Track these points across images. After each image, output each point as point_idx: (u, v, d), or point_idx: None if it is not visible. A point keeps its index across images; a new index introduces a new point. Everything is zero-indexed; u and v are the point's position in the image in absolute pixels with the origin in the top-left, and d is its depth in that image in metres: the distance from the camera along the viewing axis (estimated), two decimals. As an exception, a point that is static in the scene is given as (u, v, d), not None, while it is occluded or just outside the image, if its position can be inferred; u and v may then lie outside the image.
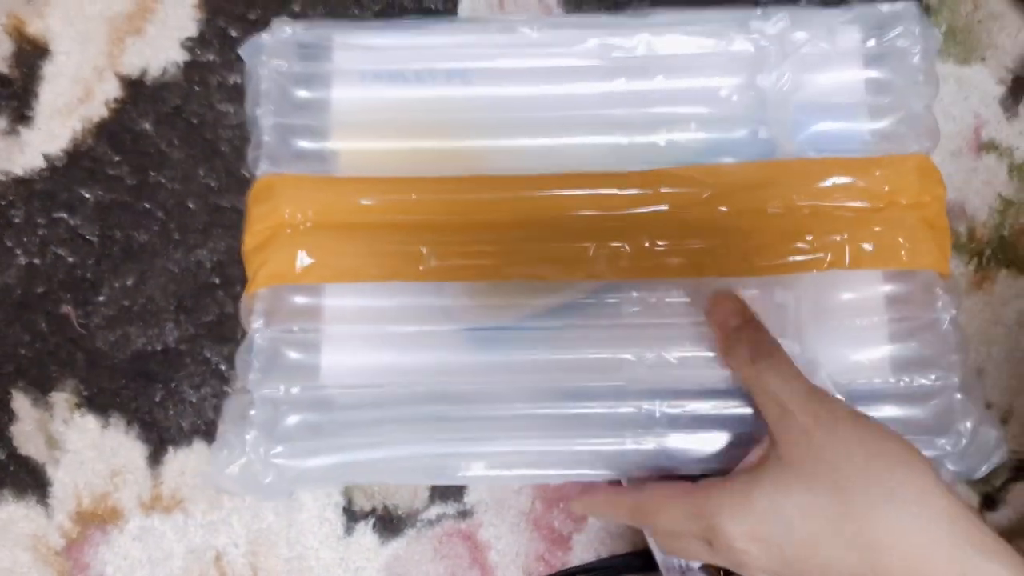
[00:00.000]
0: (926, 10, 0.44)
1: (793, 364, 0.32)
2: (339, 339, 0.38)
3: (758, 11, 0.40)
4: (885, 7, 0.40)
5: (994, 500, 0.42)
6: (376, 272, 0.38)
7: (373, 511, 0.42)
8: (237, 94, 0.43)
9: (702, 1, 0.42)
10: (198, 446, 0.42)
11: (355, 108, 0.40)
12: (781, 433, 0.30)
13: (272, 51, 0.40)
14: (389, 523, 0.42)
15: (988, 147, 0.44)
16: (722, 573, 0.40)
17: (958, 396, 0.37)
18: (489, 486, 0.42)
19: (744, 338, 0.34)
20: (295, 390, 0.37)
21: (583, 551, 0.42)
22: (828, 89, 0.40)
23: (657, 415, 0.37)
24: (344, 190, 0.38)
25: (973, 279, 0.43)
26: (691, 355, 0.37)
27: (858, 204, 0.38)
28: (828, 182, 0.38)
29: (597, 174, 0.38)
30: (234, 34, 0.44)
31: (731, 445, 0.37)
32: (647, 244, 0.38)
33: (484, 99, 0.40)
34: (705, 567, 0.40)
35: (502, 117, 0.40)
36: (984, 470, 0.37)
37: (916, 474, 0.28)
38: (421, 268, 0.37)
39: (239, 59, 0.43)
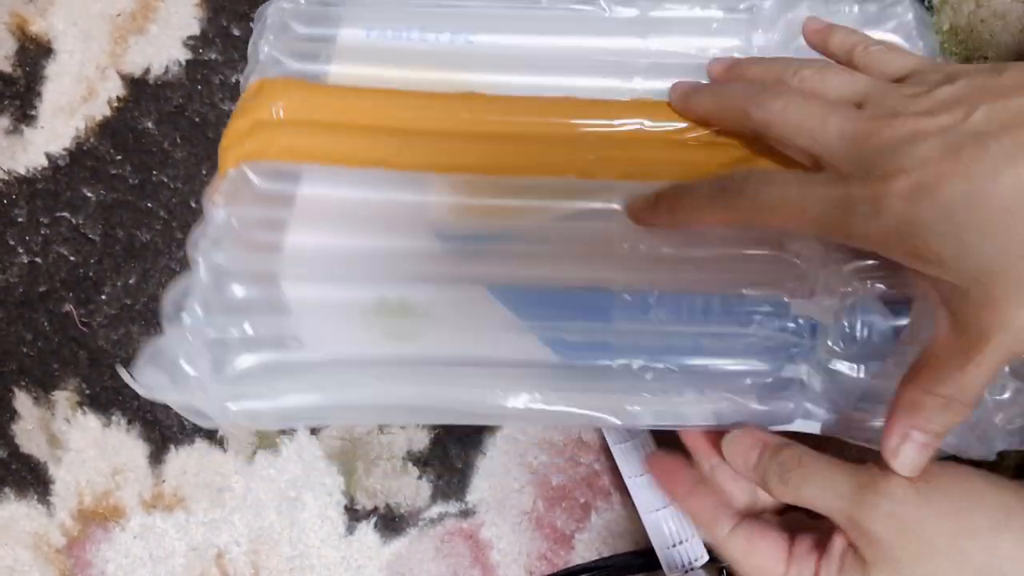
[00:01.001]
0: (928, 9, 0.44)
1: (824, 462, 0.29)
2: (309, 222, 0.33)
3: None
4: None
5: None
6: (356, 156, 0.34)
7: (375, 510, 0.42)
8: (239, 93, 0.43)
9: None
10: (199, 444, 0.42)
11: (359, 45, 0.37)
12: (851, 533, 0.27)
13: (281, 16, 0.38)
14: (391, 522, 0.42)
15: (991, 146, 0.44)
16: (724, 573, 0.40)
17: None
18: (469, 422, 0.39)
19: (769, 465, 0.30)
20: (253, 290, 0.31)
21: (585, 550, 0.42)
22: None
23: (646, 375, 0.33)
24: (335, 94, 0.36)
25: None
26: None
27: None
28: None
29: (590, 101, 0.36)
30: (236, 32, 0.44)
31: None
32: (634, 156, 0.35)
33: (484, 52, 0.38)
34: (707, 567, 0.40)
35: (499, 63, 0.38)
36: None
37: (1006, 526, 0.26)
38: (402, 158, 0.34)
39: (241, 58, 0.43)
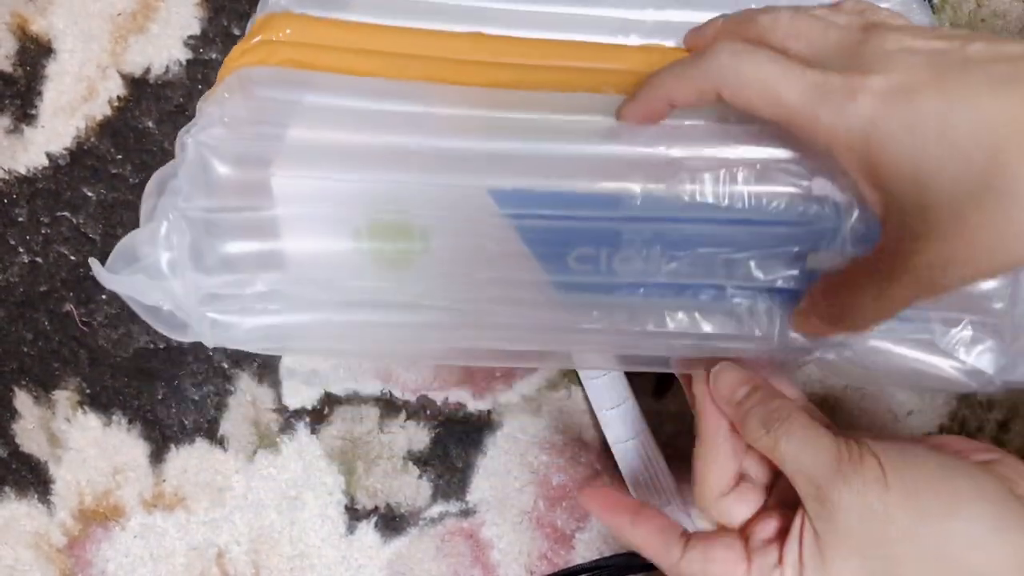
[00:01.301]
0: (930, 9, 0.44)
1: (811, 424, 0.29)
2: (309, 124, 0.29)
3: None
4: None
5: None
6: (362, 69, 0.31)
7: (375, 510, 0.42)
8: (240, 92, 0.43)
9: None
10: (200, 444, 0.42)
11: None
12: (812, 508, 0.28)
13: None
14: (391, 521, 0.42)
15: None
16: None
17: None
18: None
19: (753, 409, 0.30)
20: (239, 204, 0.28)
21: (586, 550, 0.42)
22: None
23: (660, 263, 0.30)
24: (345, 26, 0.33)
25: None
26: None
27: None
28: None
29: (604, 45, 0.33)
30: (237, 32, 0.44)
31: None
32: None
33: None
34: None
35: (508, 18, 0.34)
36: None
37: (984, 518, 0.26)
38: (409, 72, 0.31)
39: (242, 57, 0.43)
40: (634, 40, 0.34)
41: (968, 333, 0.30)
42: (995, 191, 0.22)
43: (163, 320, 0.29)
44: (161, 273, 0.28)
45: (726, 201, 0.28)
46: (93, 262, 0.28)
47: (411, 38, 0.33)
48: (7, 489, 0.42)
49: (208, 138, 0.28)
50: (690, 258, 0.29)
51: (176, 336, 0.30)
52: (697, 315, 0.30)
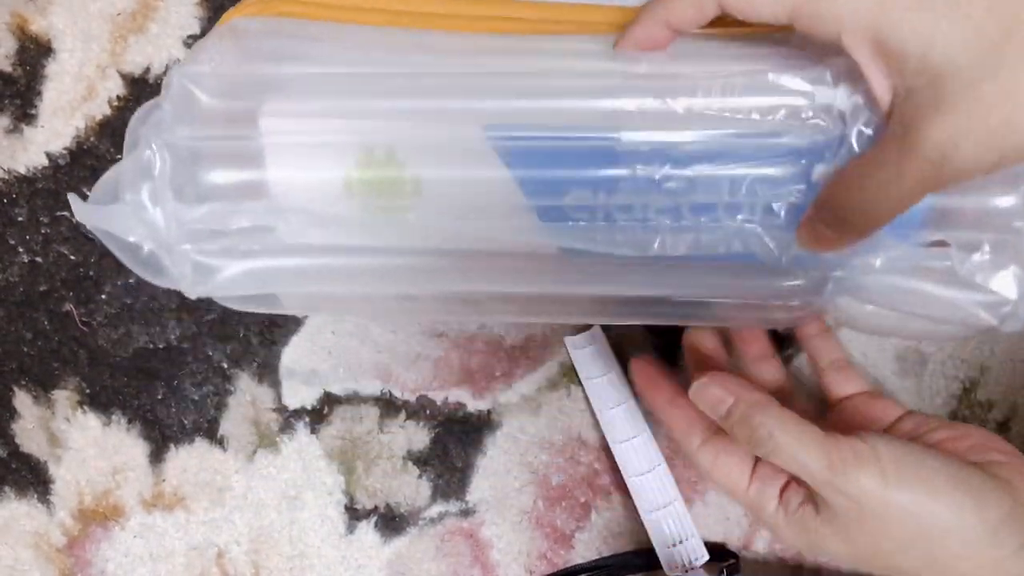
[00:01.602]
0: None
1: (798, 431, 0.28)
2: (301, 61, 0.28)
3: None
4: None
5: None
6: (361, 19, 0.30)
7: (375, 509, 0.42)
8: (240, 92, 0.43)
9: None
10: (200, 444, 0.42)
11: None
12: (815, 495, 0.29)
13: None
14: (391, 521, 0.42)
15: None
16: (724, 572, 0.40)
17: None
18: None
19: (736, 428, 0.30)
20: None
21: (585, 549, 0.42)
22: None
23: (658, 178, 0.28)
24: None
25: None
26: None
27: None
28: None
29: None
30: (237, 32, 0.44)
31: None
32: None
33: None
34: (707, 566, 0.40)
35: None
36: None
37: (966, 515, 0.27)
38: (408, 20, 0.30)
39: (242, 57, 0.43)
40: None
41: (988, 258, 0.28)
42: (1011, 63, 0.21)
43: (142, 261, 0.28)
44: (142, 205, 0.27)
45: (726, 114, 0.27)
46: (72, 196, 0.27)
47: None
48: (7, 489, 0.42)
49: (193, 72, 0.27)
50: (691, 175, 0.28)
51: (155, 279, 0.28)
52: (701, 237, 0.28)
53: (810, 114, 0.27)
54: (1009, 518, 0.27)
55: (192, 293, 0.29)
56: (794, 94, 0.27)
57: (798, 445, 0.28)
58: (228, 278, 0.28)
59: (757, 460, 0.31)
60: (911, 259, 0.29)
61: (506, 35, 0.30)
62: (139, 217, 0.27)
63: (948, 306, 0.29)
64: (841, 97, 0.27)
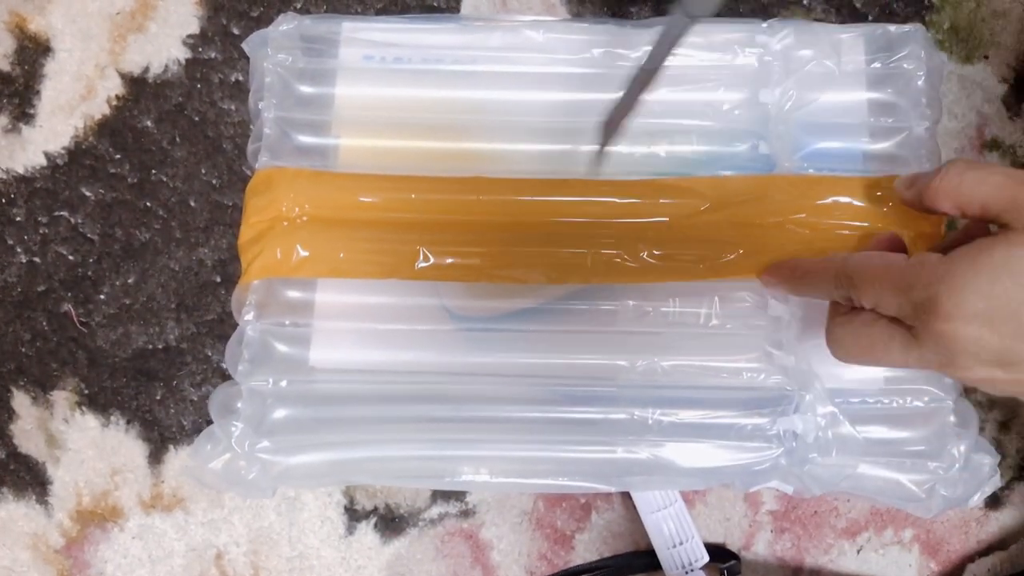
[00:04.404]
0: (929, 7, 0.44)
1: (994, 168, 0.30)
2: (329, 334, 0.38)
3: (764, 25, 0.40)
4: (893, 28, 0.40)
5: (999, 499, 0.42)
6: (371, 269, 0.38)
7: (375, 510, 0.42)
8: (239, 91, 0.43)
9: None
10: (199, 445, 0.42)
11: (358, 105, 0.40)
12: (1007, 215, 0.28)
13: (277, 45, 0.40)
14: (391, 522, 0.42)
15: (991, 145, 0.44)
16: (724, 573, 0.40)
17: (952, 419, 0.37)
18: (480, 491, 0.41)
19: (952, 168, 0.31)
20: (284, 383, 0.37)
21: (585, 550, 0.42)
22: (830, 108, 0.40)
23: (650, 422, 0.37)
24: (342, 185, 0.38)
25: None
26: (685, 363, 0.37)
27: (857, 223, 0.38)
28: (828, 200, 0.38)
29: (596, 182, 0.38)
30: (236, 31, 0.44)
31: (723, 455, 0.37)
32: (643, 254, 0.38)
33: (486, 102, 0.40)
34: (707, 567, 0.40)
35: (504, 120, 0.40)
36: (977, 499, 0.37)
37: None
38: (417, 267, 0.37)
39: (241, 56, 0.43)
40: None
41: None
42: None
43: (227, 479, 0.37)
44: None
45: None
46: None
47: (408, 195, 0.39)
48: (4, 490, 0.42)
49: (258, 385, 0.37)
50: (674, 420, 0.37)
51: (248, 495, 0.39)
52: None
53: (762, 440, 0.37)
54: None
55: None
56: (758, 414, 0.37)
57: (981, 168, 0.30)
58: (298, 479, 0.38)
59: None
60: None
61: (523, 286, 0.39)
62: (234, 461, 0.37)
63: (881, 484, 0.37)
64: (799, 423, 0.37)
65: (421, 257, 0.37)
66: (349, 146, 0.40)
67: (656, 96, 0.39)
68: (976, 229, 0.32)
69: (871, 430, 0.37)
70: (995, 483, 0.37)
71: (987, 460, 0.37)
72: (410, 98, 0.40)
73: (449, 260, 0.37)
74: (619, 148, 0.39)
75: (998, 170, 0.29)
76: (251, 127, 0.40)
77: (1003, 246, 0.26)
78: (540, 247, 0.38)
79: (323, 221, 0.38)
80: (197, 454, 0.37)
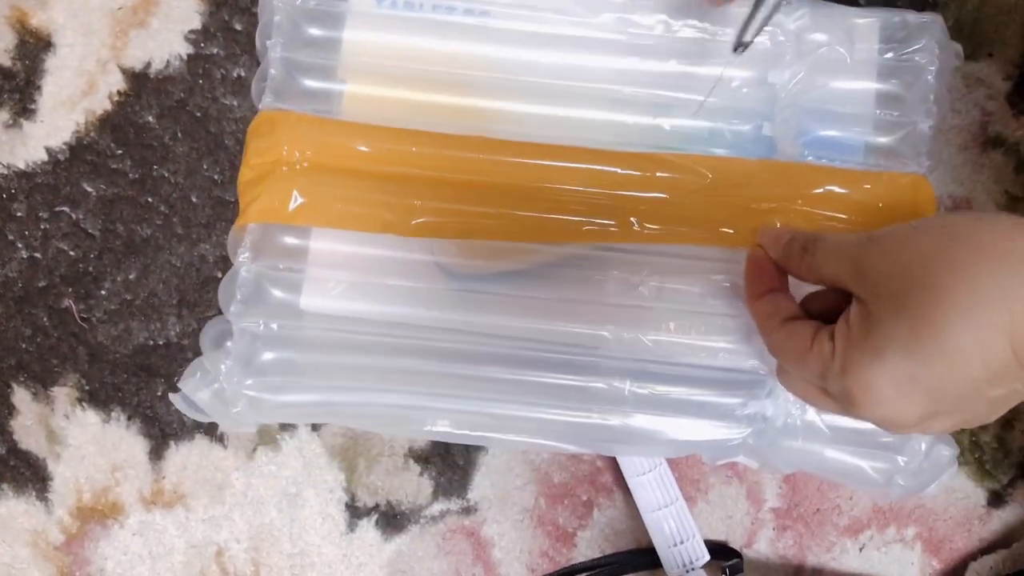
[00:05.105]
0: (934, 5, 0.44)
1: (840, 236, 0.32)
2: (322, 282, 0.38)
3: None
4: (911, 17, 0.40)
5: (1001, 497, 0.42)
6: (368, 223, 0.37)
7: (376, 507, 0.42)
8: (241, 87, 0.43)
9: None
10: (200, 441, 0.42)
11: (366, 51, 0.39)
12: (854, 285, 0.30)
13: None
14: (392, 520, 0.42)
15: (995, 142, 0.44)
16: (726, 572, 0.40)
17: None
18: (458, 442, 0.41)
19: (793, 243, 0.34)
20: (274, 326, 0.37)
21: (587, 548, 0.42)
22: (838, 96, 0.39)
23: (626, 393, 0.37)
24: (345, 133, 0.38)
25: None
26: (666, 339, 0.37)
27: (848, 216, 0.38)
28: (821, 189, 0.38)
29: (598, 151, 0.38)
30: (238, 27, 0.44)
31: (694, 430, 0.38)
32: (636, 227, 0.38)
33: (495, 59, 0.39)
34: (707, 566, 0.40)
35: (511, 79, 0.39)
36: (933, 488, 0.37)
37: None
38: (413, 223, 0.37)
39: (243, 52, 0.43)
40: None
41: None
42: None
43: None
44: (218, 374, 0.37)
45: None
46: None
47: (409, 148, 0.38)
48: (4, 486, 0.42)
49: (249, 326, 0.37)
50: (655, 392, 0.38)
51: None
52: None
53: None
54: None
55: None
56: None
57: (840, 238, 0.32)
58: (279, 416, 0.39)
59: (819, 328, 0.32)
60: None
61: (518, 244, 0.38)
62: (220, 394, 0.37)
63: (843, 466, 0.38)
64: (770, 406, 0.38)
65: (418, 213, 0.37)
66: (353, 92, 0.39)
67: (664, 67, 0.39)
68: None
69: (840, 419, 0.37)
70: (952, 473, 0.38)
71: (947, 451, 0.37)
72: (418, 48, 0.39)
73: (446, 218, 0.37)
74: (622, 117, 0.39)
75: (840, 238, 0.32)
76: (258, 62, 0.40)
77: (876, 331, 0.28)
78: (536, 211, 0.38)
79: (323, 169, 0.38)
80: (186, 382, 0.37)
